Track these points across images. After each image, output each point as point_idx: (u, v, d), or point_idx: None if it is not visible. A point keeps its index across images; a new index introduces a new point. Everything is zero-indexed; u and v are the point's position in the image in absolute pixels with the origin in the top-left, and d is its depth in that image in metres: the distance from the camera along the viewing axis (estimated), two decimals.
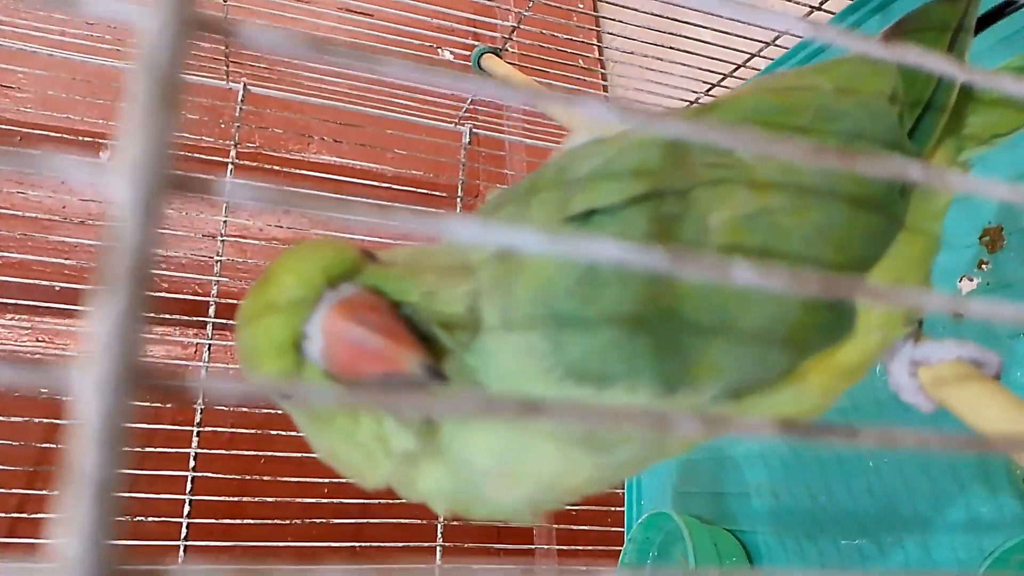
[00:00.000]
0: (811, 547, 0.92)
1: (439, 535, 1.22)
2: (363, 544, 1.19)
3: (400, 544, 1.19)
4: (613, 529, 1.30)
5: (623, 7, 1.11)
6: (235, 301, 1.25)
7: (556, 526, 1.34)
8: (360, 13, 1.29)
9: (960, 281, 0.78)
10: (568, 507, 1.32)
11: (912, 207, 0.47)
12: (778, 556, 0.97)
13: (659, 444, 0.44)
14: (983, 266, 0.78)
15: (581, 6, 1.61)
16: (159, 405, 1.20)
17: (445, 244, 0.47)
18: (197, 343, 1.28)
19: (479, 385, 0.42)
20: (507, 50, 1.12)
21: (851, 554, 0.87)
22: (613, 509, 1.29)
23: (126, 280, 0.15)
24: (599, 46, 1.46)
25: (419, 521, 1.22)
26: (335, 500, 1.20)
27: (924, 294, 0.26)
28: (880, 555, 0.84)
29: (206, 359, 1.20)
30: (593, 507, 1.33)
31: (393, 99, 1.36)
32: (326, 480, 1.21)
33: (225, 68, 1.26)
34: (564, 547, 1.34)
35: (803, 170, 0.43)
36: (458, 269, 0.43)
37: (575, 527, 1.32)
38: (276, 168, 1.37)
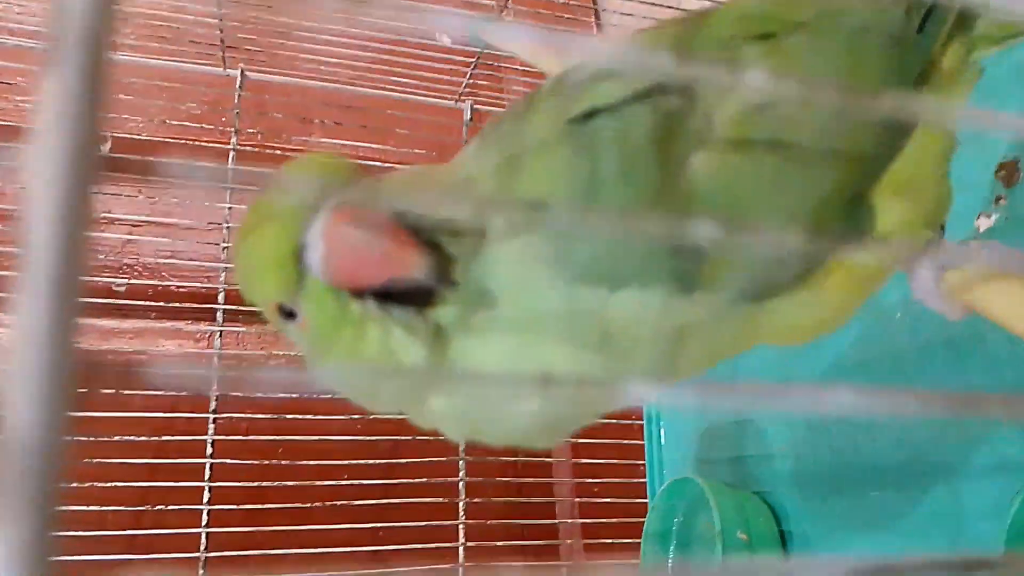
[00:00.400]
0: (837, 501, 0.91)
1: (461, 535, 1.21)
2: (386, 525, 1.19)
3: (420, 546, 1.18)
4: (637, 501, 1.29)
5: None
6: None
7: (581, 520, 1.33)
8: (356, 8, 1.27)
9: (977, 219, 0.77)
10: (590, 499, 1.33)
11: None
12: (804, 515, 0.96)
13: (676, 352, 0.42)
14: (1000, 202, 0.76)
15: None
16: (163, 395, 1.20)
17: (446, 165, 0.45)
18: (209, 330, 1.28)
19: (486, 293, 0.40)
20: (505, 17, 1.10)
21: (878, 506, 0.86)
22: (636, 494, 1.28)
23: (52, 267, 0.14)
24: (595, 9, 1.44)
25: (440, 500, 1.22)
26: (356, 482, 1.20)
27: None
28: (908, 504, 0.83)
29: (218, 346, 1.19)
30: (615, 480, 1.32)
31: (392, 78, 1.35)
32: (346, 462, 1.21)
33: (221, 55, 1.25)
34: (590, 540, 1.33)
35: (808, 62, 0.42)
36: (460, 182, 0.42)
37: (599, 520, 1.31)
38: (279, 154, 1.36)
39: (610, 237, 0.39)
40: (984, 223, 0.76)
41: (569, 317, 0.40)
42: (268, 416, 1.20)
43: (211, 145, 1.27)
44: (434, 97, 1.37)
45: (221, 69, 1.27)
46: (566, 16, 1.25)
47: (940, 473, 0.79)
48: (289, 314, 0.42)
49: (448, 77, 1.36)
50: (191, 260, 1.31)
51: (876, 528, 0.87)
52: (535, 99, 0.44)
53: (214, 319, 1.21)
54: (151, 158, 0.17)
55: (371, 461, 1.22)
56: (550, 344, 0.40)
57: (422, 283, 0.38)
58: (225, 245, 1.22)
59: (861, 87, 0.43)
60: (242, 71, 1.28)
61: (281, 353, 1.30)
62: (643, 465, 1.21)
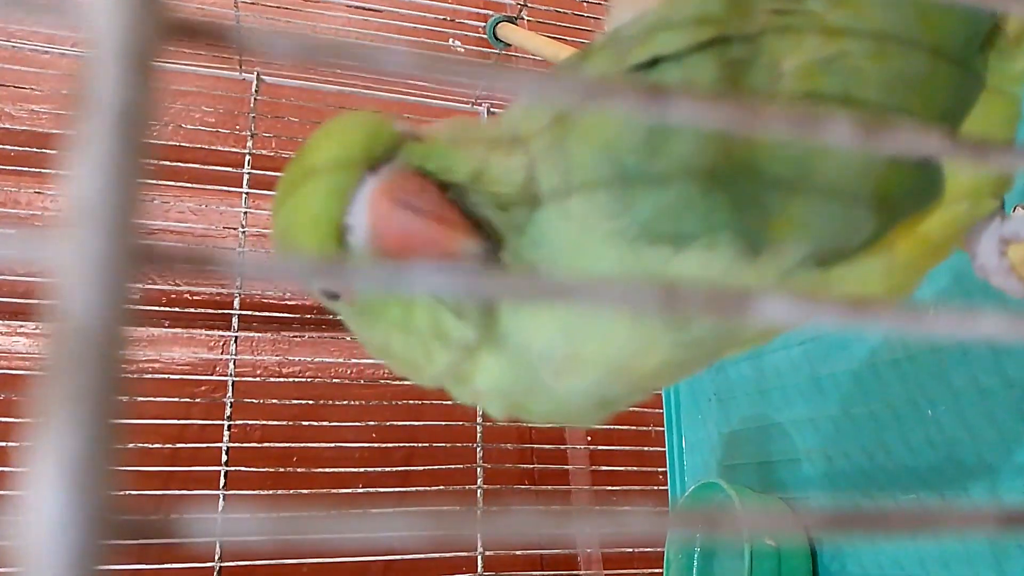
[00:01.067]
0: (869, 505, 0.88)
1: (479, 543, 1.18)
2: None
3: (437, 555, 1.15)
4: (658, 509, 1.26)
5: None
6: (258, 293, 1.23)
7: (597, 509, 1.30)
8: (368, 10, 1.27)
9: (1014, 211, 0.75)
10: (610, 507, 1.31)
11: (992, 66, 0.44)
12: None
13: (740, 323, 0.40)
14: None
15: None
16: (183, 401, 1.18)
17: (490, 121, 0.44)
18: (222, 336, 1.26)
19: (539, 262, 0.38)
20: (522, 18, 1.09)
21: (916, 511, 0.83)
22: (656, 501, 1.26)
23: (88, 392, 0.12)
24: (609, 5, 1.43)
25: (456, 508, 1.19)
26: (371, 489, 1.18)
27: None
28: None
29: (233, 352, 1.18)
30: (634, 487, 1.29)
31: (408, 81, 1.34)
32: (361, 470, 1.19)
33: (238, 57, 1.24)
34: (609, 550, 1.30)
35: (877, 16, 0.41)
36: (507, 140, 0.40)
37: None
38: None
39: (675, 189, 0.37)
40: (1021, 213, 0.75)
41: (629, 280, 0.38)
42: (283, 423, 1.18)
43: (226, 150, 1.26)
44: (450, 100, 1.36)
45: (237, 72, 1.26)
46: (584, 14, 1.25)
47: (977, 472, 0.77)
48: (331, 294, 0.41)
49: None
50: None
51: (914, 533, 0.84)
52: (588, 54, 0.43)
53: (229, 326, 1.19)
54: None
55: (386, 468, 1.20)
56: (608, 311, 0.38)
57: (471, 263, 0.37)
58: (241, 250, 1.21)
59: (932, 38, 0.42)
60: (258, 74, 1.28)
61: (297, 360, 1.28)
62: (662, 472, 1.19)
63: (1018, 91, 0.46)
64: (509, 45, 1.18)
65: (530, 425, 1.26)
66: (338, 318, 0.43)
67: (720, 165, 0.37)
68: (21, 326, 1.21)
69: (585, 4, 1.25)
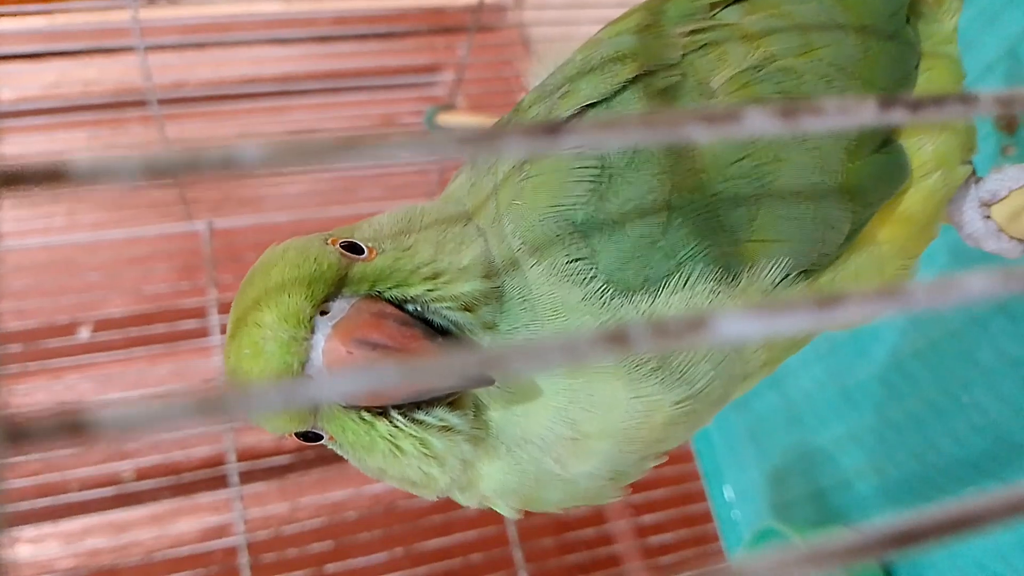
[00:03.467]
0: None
1: None
2: None
3: None
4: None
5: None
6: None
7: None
8: (303, 132, 1.27)
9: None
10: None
11: (922, 33, 0.44)
12: None
13: (737, 360, 0.38)
14: (1008, 151, 0.75)
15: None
16: None
17: (433, 202, 0.42)
18: (226, 495, 1.20)
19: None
20: (454, 106, 1.08)
21: None
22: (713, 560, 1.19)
23: None
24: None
25: None
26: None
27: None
28: None
29: (239, 511, 1.11)
30: (689, 550, 1.23)
31: (360, 199, 1.33)
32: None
33: (185, 208, 1.22)
34: None
35: (794, 11, 0.40)
36: (454, 223, 0.38)
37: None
38: None
39: (633, 232, 0.36)
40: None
41: (571, 334, 0.35)
42: (307, 571, 1.11)
43: (190, 304, 1.23)
44: (405, 201, 1.34)
45: (187, 224, 1.24)
46: (517, 88, 1.25)
47: None
48: (311, 436, 0.38)
49: (417, 180, 1.33)
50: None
51: None
52: (518, 113, 0.42)
53: (227, 483, 1.14)
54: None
55: None
56: (604, 378, 0.36)
57: (456, 386, 0.35)
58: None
59: (856, 19, 0.41)
60: (209, 223, 1.26)
61: (308, 502, 1.22)
62: (712, 528, 1.13)
63: (952, 50, 0.46)
64: (449, 132, 1.17)
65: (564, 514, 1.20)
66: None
67: (671, 196, 0.36)
68: None
69: (517, 77, 1.25)
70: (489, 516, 1.14)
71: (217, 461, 1.17)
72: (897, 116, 0.19)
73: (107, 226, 1.23)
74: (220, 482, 1.18)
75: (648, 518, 1.23)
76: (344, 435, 0.37)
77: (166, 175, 0.12)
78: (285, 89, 1.35)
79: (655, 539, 1.23)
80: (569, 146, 0.15)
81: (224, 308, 1.21)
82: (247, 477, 1.17)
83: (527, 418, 0.37)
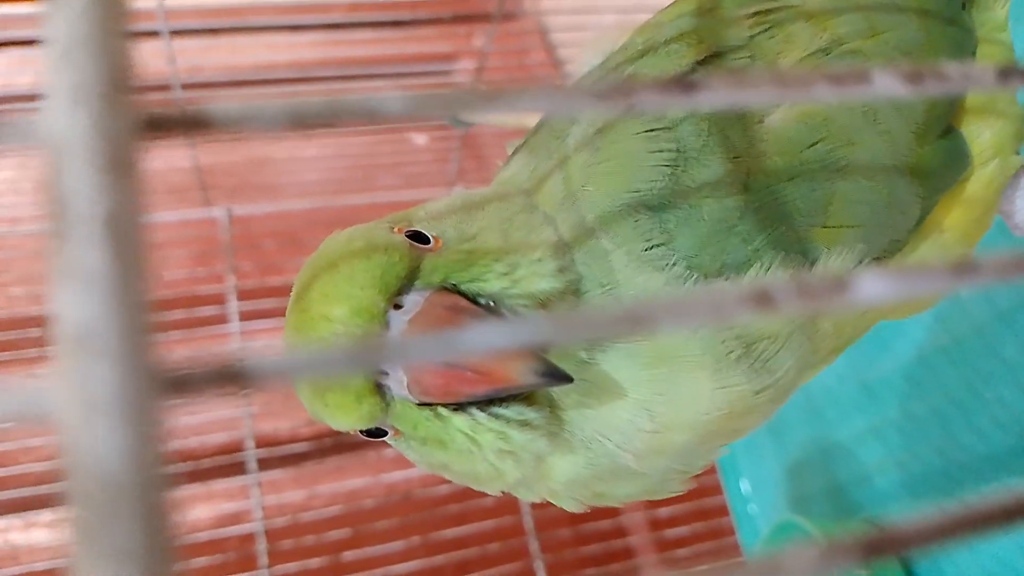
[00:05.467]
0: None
1: None
2: None
3: None
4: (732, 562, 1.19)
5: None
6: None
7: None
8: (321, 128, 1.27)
9: None
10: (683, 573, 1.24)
11: (976, 20, 0.45)
12: None
13: (812, 340, 0.38)
14: None
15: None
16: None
17: (489, 188, 0.41)
18: (242, 482, 1.20)
19: (608, 350, 0.36)
20: None
21: None
22: (728, 554, 1.19)
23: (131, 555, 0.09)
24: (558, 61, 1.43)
25: None
26: None
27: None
28: None
29: (256, 497, 1.12)
30: (705, 543, 1.23)
31: (377, 184, 1.32)
32: None
33: (203, 194, 1.22)
34: None
35: None
36: (519, 209, 0.37)
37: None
38: (280, 286, 1.31)
39: (710, 216, 0.35)
40: None
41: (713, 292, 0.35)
42: (324, 559, 1.11)
43: (209, 291, 1.23)
44: (423, 190, 1.33)
45: (205, 211, 1.23)
46: (539, 75, 1.24)
47: None
48: (376, 433, 0.37)
49: (435, 169, 1.33)
50: (211, 411, 1.24)
51: None
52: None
53: (246, 470, 1.14)
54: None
55: None
56: (689, 369, 0.35)
57: (532, 386, 0.33)
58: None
59: (916, 3, 0.41)
60: (228, 209, 1.25)
61: (324, 490, 1.21)
62: (728, 523, 1.13)
63: (1006, 37, 0.47)
64: (471, 124, 1.17)
65: None
66: (357, 438, 0.39)
67: (749, 180, 0.35)
68: (35, 518, 1.14)
69: (537, 65, 1.24)
70: (506, 506, 1.14)
71: (234, 448, 1.17)
72: (1015, 82, 0.18)
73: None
74: (237, 469, 1.18)
75: (663, 511, 1.23)
76: (415, 431, 0.36)
77: (310, 123, 0.12)
78: (302, 76, 1.35)
79: (670, 532, 1.22)
80: (705, 102, 0.14)
81: (243, 295, 1.21)
82: (264, 464, 1.16)
83: (605, 413, 0.36)
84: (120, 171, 0.11)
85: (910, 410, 0.88)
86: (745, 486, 1.12)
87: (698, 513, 1.22)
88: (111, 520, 0.09)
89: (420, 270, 0.35)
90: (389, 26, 1.47)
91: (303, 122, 0.12)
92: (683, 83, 0.14)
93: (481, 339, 0.12)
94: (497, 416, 0.35)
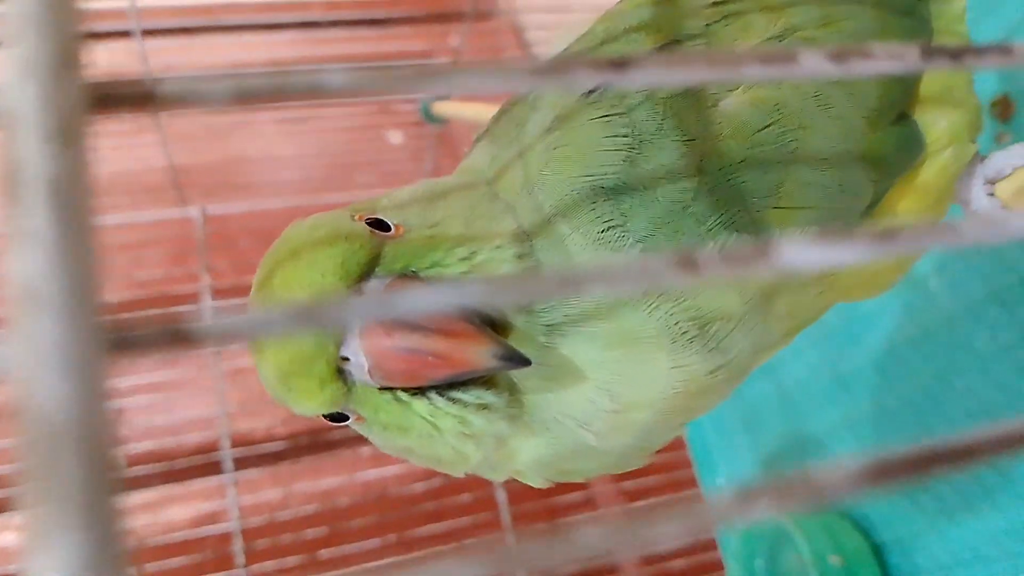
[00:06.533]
0: (925, 495, 0.84)
1: None
2: None
3: None
4: (708, 556, 1.20)
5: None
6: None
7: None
8: (297, 127, 1.26)
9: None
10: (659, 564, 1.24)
11: (933, 12, 0.45)
12: (895, 520, 0.89)
13: (767, 322, 0.38)
14: (1003, 138, 0.76)
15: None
16: None
17: (453, 177, 0.41)
18: (219, 482, 1.19)
19: (567, 334, 0.36)
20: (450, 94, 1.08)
21: (970, 486, 0.80)
22: (704, 546, 1.20)
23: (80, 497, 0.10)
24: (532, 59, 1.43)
25: None
26: None
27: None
28: (1005, 481, 0.77)
29: (233, 496, 1.11)
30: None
31: (353, 182, 1.32)
32: None
33: (178, 193, 1.21)
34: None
35: None
36: (480, 196, 0.38)
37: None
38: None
39: (664, 197, 0.36)
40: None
41: (656, 309, 0.36)
42: (301, 557, 1.11)
43: (184, 290, 1.22)
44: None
45: (180, 210, 1.23)
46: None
47: None
48: (338, 417, 0.38)
49: (411, 167, 1.33)
50: (186, 409, 1.23)
51: (976, 511, 0.81)
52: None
53: (220, 469, 1.13)
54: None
55: None
56: (646, 348, 0.36)
57: (492, 370, 0.34)
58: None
59: (877, 1, 0.41)
60: (202, 208, 1.25)
61: (300, 489, 1.21)
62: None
63: (963, 29, 0.47)
64: (445, 122, 1.17)
65: (556, 499, 1.20)
66: (332, 437, 0.39)
67: (702, 162, 0.36)
68: (7, 521, 1.13)
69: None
70: (482, 503, 1.14)
71: (210, 448, 1.17)
72: (939, 62, 0.19)
73: (98, 212, 1.22)
74: (213, 469, 1.17)
75: (640, 505, 1.23)
76: (376, 415, 0.36)
77: (256, 99, 0.12)
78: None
79: (642, 503, 1.23)
80: (636, 80, 0.15)
81: (218, 294, 1.21)
82: (240, 464, 1.16)
83: (565, 395, 0.37)
84: (67, 141, 0.11)
85: (882, 402, 0.89)
86: (721, 480, 1.12)
87: (675, 489, 1.23)
88: (55, 464, 0.09)
89: (382, 257, 0.35)
90: (365, 24, 1.47)
91: (249, 97, 0.13)
92: (615, 62, 0.15)
93: (421, 300, 0.12)
94: (456, 400, 0.35)
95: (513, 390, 0.37)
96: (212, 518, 1.17)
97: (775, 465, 1.04)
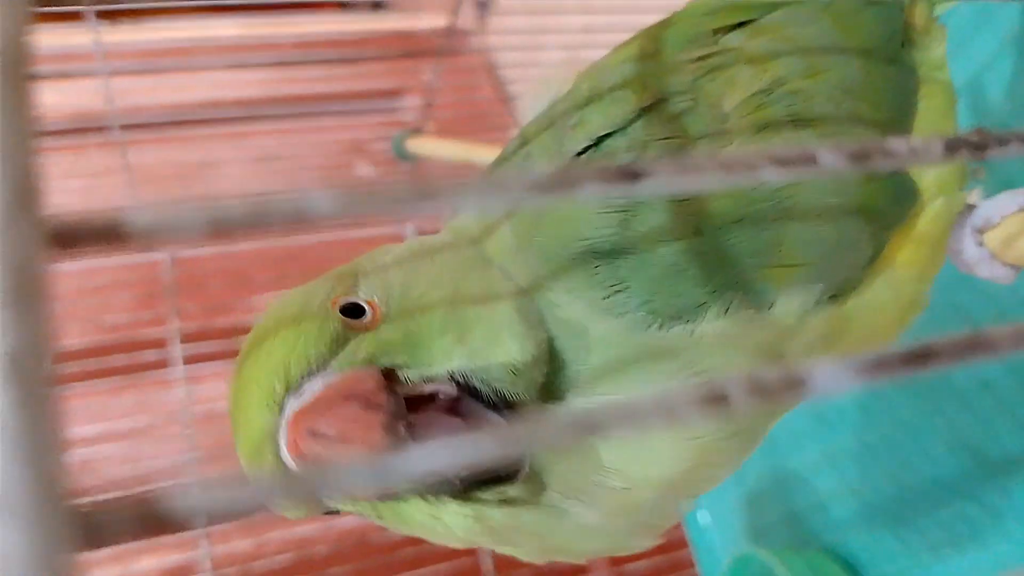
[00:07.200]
0: (911, 531, 0.84)
1: None
2: None
3: None
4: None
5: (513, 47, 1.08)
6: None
7: None
8: (267, 166, 1.25)
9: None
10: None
11: (916, 59, 0.45)
12: (881, 556, 0.88)
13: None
14: (978, 175, 0.76)
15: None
16: None
17: (439, 236, 0.40)
18: (192, 535, 1.16)
19: (584, 396, 0.35)
20: (423, 130, 1.07)
21: (955, 522, 0.79)
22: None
23: None
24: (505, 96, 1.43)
25: None
26: None
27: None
28: (986, 511, 0.77)
29: (205, 548, 1.08)
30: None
31: (327, 225, 1.30)
32: None
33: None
34: None
35: (797, 34, 0.40)
36: (475, 269, 0.37)
37: None
38: (226, 327, 1.28)
39: (661, 260, 0.35)
40: (974, 197, 0.76)
41: (665, 372, 0.35)
42: None
43: (152, 335, 1.19)
44: (371, 228, 1.32)
45: (147, 255, 1.20)
46: (486, 112, 1.24)
47: (1012, 468, 0.74)
48: (332, 511, 0.38)
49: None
50: (155, 458, 1.20)
51: (961, 546, 0.81)
52: (527, 140, 0.41)
53: None
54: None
55: None
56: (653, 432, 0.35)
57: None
58: (188, 432, 1.12)
59: (856, 42, 0.42)
60: (170, 251, 1.22)
61: (274, 537, 1.18)
62: (687, 554, 1.12)
63: (945, 75, 0.47)
64: (416, 158, 1.16)
65: None
66: None
67: (699, 222, 0.35)
68: None
69: (484, 101, 1.25)
70: (463, 549, 1.12)
71: None
72: (963, 155, 0.18)
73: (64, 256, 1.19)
74: None
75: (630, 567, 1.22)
76: (374, 511, 0.36)
77: (234, 229, 0.11)
78: (249, 114, 1.33)
79: (630, 567, 1.21)
80: (649, 190, 0.14)
81: (186, 338, 1.18)
82: None
83: (573, 474, 0.36)
84: (24, 302, 0.10)
85: (863, 437, 0.89)
86: (704, 517, 1.11)
87: (657, 548, 1.21)
88: None
89: (346, 347, 0.34)
90: (337, 63, 1.46)
91: (225, 228, 0.11)
92: (627, 171, 0.14)
93: (414, 465, 0.11)
94: (476, 500, 0.34)
95: (533, 473, 0.35)
96: (184, 570, 1.14)
97: (758, 502, 1.03)
